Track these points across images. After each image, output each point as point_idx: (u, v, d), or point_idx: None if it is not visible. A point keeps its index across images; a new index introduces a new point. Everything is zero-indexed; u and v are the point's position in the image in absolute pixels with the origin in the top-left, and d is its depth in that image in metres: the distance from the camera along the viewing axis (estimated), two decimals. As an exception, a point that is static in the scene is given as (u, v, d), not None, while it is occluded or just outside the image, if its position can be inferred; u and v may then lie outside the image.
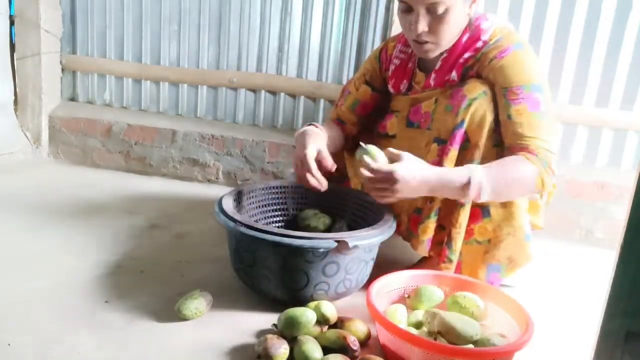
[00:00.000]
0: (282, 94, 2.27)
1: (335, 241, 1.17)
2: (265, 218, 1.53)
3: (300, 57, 2.22)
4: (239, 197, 1.43)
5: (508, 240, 1.33)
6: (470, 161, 1.29)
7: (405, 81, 1.49)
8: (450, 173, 1.23)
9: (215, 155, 2.24)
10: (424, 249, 1.37)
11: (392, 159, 1.23)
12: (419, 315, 1.18)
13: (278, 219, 1.56)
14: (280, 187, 1.57)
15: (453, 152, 1.30)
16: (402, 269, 1.31)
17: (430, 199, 1.35)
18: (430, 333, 1.09)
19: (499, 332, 1.13)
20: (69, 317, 1.17)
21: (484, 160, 1.29)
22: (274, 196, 1.55)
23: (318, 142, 1.36)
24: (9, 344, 1.05)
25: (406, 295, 1.25)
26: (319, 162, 1.34)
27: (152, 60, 2.36)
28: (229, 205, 1.31)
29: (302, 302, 1.22)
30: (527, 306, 1.13)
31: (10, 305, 1.20)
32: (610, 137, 1.99)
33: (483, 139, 1.29)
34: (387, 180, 1.18)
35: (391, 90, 1.54)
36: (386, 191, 1.21)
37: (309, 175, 1.30)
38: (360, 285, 1.32)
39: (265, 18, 2.21)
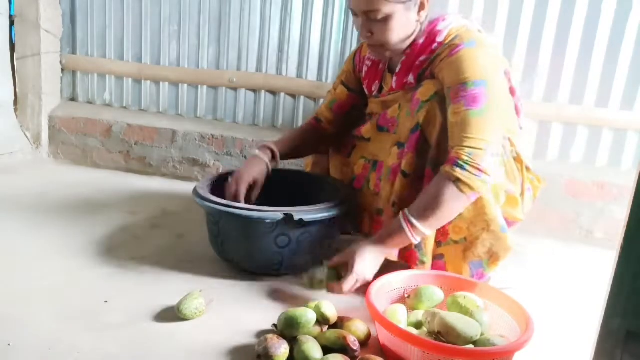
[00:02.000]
0: (282, 94, 2.27)
1: (283, 214, 1.29)
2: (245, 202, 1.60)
3: (300, 57, 2.22)
4: (218, 182, 1.53)
5: (484, 236, 1.34)
6: (433, 161, 1.31)
7: (377, 82, 1.51)
8: (384, 232, 1.30)
9: (215, 155, 2.24)
10: (393, 255, 1.37)
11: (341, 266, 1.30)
12: (419, 315, 1.18)
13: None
14: None
15: (409, 155, 1.33)
16: (402, 269, 1.31)
17: (393, 203, 1.37)
18: (430, 333, 1.09)
19: (499, 332, 1.13)
20: (69, 317, 1.17)
21: (436, 161, 1.31)
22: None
23: (258, 171, 1.48)
24: (9, 344, 1.05)
25: (406, 295, 1.25)
26: (250, 188, 1.47)
27: (152, 60, 2.36)
28: (203, 186, 1.45)
29: (265, 271, 1.39)
30: (527, 306, 1.13)
31: (10, 305, 1.20)
32: (610, 137, 1.99)
33: (434, 141, 1.30)
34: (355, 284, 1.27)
35: (366, 91, 1.56)
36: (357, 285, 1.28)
37: (234, 198, 1.43)
38: (320, 261, 1.38)
39: (265, 18, 2.21)
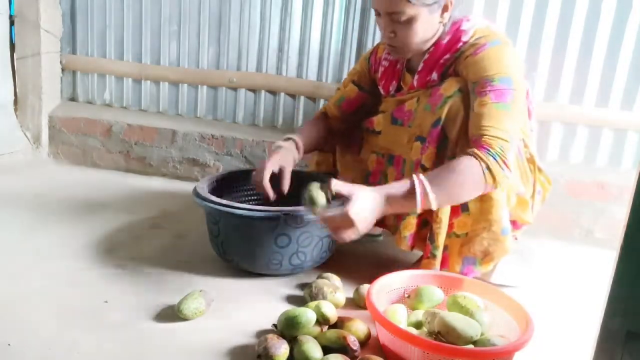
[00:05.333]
0: (282, 94, 2.27)
1: (283, 214, 1.28)
2: (247, 202, 1.61)
3: (300, 57, 2.22)
4: (218, 182, 1.56)
5: (483, 234, 1.35)
6: (451, 157, 1.31)
7: (394, 82, 1.51)
8: (393, 188, 1.23)
9: (215, 155, 2.24)
10: (406, 245, 1.39)
11: (341, 197, 1.20)
12: (419, 315, 1.18)
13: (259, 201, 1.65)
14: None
15: (431, 150, 1.33)
16: (402, 269, 1.31)
17: None
18: (430, 333, 1.09)
19: (499, 332, 1.13)
20: (69, 317, 1.17)
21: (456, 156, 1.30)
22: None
23: (285, 160, 1.46)
24: (9, 344, 1.05)
25: (406, 295, 1.25)
26: (278, 176, 1.44)
27: (152, 60, 2.36)
28: (203, 186, 1.45)
29: (265, 271, 1.39)
30: (527, 306, 1.13)
31: (10, 305, 1.20)
32: (610, 137, 1.99)
33: (457, 136, 1.31)
34: (344, 222, 1.17)
35: (382, 91, 1.56)
36: (347, 232, 1.18)
37: (260, 183, 1.41)
38: (317, 260, 1.43)
39: (265, 18, 2.21)
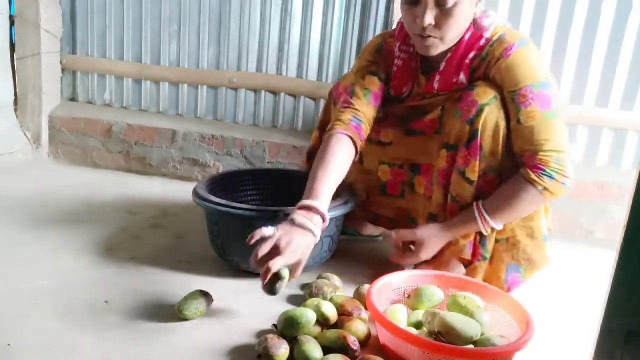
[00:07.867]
0: (283, 94, 2.27)
1: (284, 214, 1.27)
2: (245, 202, 1.62)
3: (300, 57, 2.22)
4: (218, 183, 1.57)
5: (526, 241, 1.34)
6: (487, 169, 1.29)
7: (409, 83, 1.43)
8: (455, 225, 1.34)
9: (215, 155, 2.24)
10: (466, 253, 1.37)
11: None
12: (419, 315, 1.18)
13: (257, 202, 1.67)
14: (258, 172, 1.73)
15: (473, 162, 1.29)
16: (402, 269, 1.31)
17: (453, 197, 1.35)
18: (430, 333, 1.09)
19: (499, 332, 1.13)
20: (69, 317, 1.17)
21: (500, 166, 1.29)
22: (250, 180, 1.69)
23: (300, 254, 1.16)
24: (9, 344, 1.05)
25: (406, 295, 1.25)
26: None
27: (152, 60, 2.36)
28: (203, 186, 1.47)
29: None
30: (527, 306, 1.13)
31: (10, 305, 1.20)
32: (610, 137, 1.99)
33: (499, 147, 1.28)
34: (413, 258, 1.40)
35: (391, 92, 1.45)
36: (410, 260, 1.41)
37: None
38: (317, 260, 1.42)
39: (265, 18, 2.21)
